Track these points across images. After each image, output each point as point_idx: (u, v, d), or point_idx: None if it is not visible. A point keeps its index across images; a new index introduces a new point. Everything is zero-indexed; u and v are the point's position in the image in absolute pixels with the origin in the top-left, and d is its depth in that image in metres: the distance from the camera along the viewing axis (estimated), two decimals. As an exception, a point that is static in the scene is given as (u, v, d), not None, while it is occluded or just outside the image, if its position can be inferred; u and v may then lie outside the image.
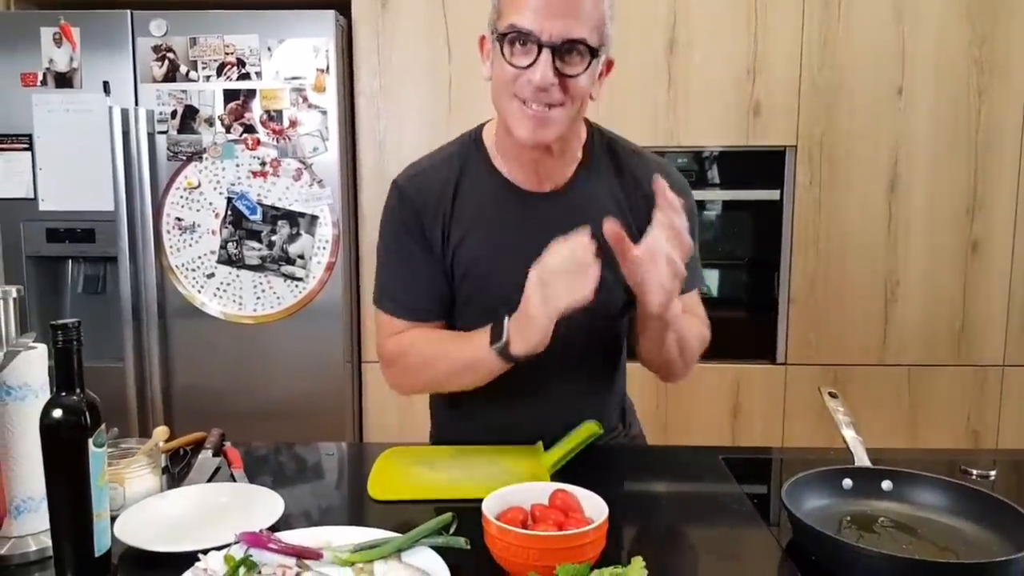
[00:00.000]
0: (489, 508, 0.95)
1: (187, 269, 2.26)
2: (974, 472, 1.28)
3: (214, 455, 1.31)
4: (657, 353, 1.24)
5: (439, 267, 1.26)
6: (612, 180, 1.26)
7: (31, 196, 2.25)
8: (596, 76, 1.15)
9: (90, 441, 0.88)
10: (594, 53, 1.10)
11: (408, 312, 1.28)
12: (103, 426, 0.91)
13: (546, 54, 1.07)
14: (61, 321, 0.88)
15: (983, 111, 2.35)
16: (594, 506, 0.97)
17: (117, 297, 2.26)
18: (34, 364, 1.01)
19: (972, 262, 2.42)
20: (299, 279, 2.26)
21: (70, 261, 2.37)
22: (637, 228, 1.14)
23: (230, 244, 2.25)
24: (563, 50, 1.08)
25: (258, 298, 2.27)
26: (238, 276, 2.26)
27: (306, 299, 2.27)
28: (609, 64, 1.19)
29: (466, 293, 1.27)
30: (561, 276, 1.06)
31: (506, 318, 1.13)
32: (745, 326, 2.50)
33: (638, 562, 0.86)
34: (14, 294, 1.01)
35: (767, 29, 2.33)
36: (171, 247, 2.25)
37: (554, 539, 0.89)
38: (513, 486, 1.02)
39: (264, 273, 2.26)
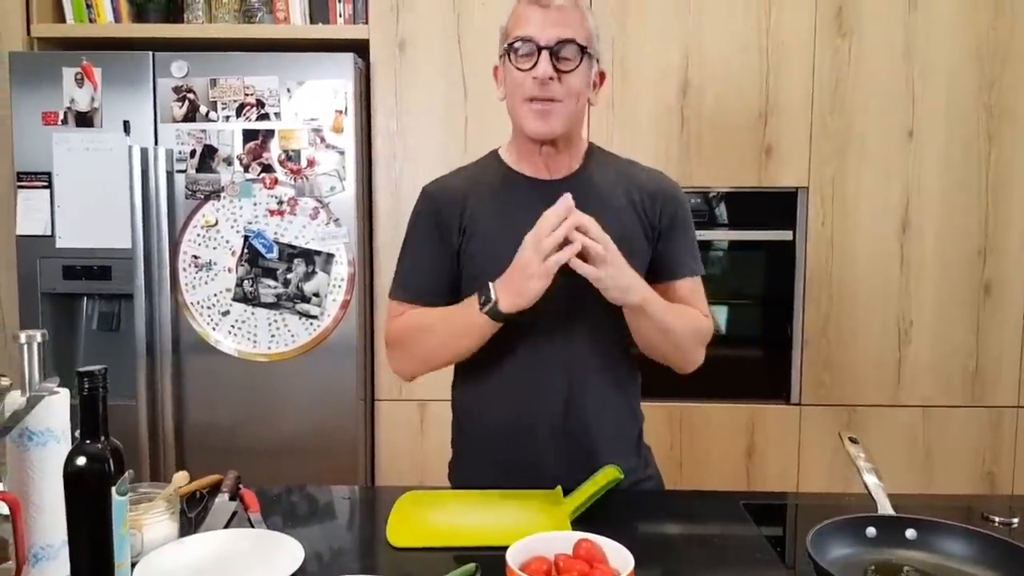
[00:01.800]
0: (513, 558, 0.94)
1: (202, 307, 2.27)
2: (996, 519, 1.26)
3: (230, 499, 1.30)
4: (642, 341, 1.39)
5: (449, 252, 1.41)
6: (613, 176, 1.44)
7: (48, 233, 2.26)
8: (590, 81, 1.37)
9: (113, 489, 0.88)
10: (584, 51, 1.32)
11: (413, 293, 1.44)
12: (127, 474, 0.90)
13: (545, 54, 1.30)
14: (87, 368, 0.88)
15: (993, 154, 2.36)
16: (619, 557, 0.96)
17: (131, 334, 2.26)
18: (56, 409, 1.01)
19: (985, 303, 2.41)
20: (314, 317, 2.26)
21: (85, 298, 2.38)
22: (634, 217, 1.39)
23: (246, 282, 2.26)
24: (557, 51, 1.30)
25: (272, 336, 2.27)
26: (253, 314, 2.27)
27: (320, 337, 2.27)
28: (602, 76, 1.41)
29: (477, 272, 1.38)
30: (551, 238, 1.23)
31: (489, 282, 1.30)
32: (759, 366, 2.49)
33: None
34: (38, 339, 1.02)
35: (779, 73, 2.35)
36: (187, 284, 2.27)
37: (580, 592, 0.88)
38: (536, 535, 1.01)
39: (279, 311, 2.26)
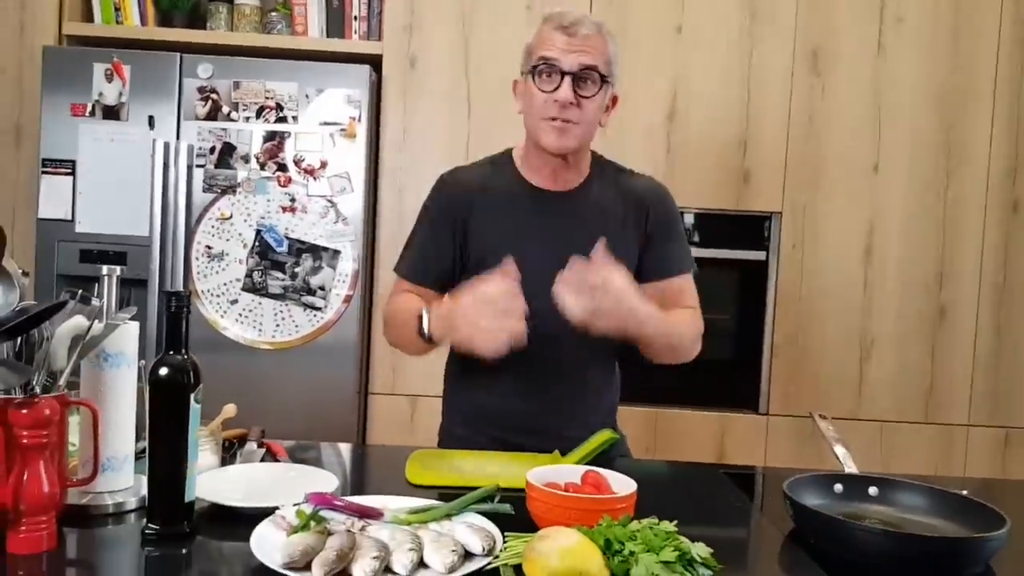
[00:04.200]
0: (532, 478, 1.08)
1: (212, 295, 2.39)
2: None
3: (258, 447, 1.42)
4: (652, 355, 1.51)
5: (451, 242, 1.52)
6: (612, 187, 1.56)
7: (69, 218, 2.37)
8: (604, 105, 1.48)
9: (192, 396, 1.01)
10: (603, 80, 1.43)
11: (412, 272, 1.56)
12: (202, 385, 1.03)
13: (567, 79, 1.41)
14: (173, 289, 1.01)
15: (951, 190, 2.59)
16: (623, 483, 1.11)
17: (142, 319, 2.35)
18: (130, 337, 1.14)
19: (940, 327, 2.61)
20: (318, 309, 2.39)
21: (96, 283, 2.47)
22: (629, 228, 1.52)
23: (255, 273, 2.38)
24: (579, 77, 1.41)
25: (277, 325, 2.39)
26: (260, 304, 2.39)
27: (322, 328, 2.40)
28: (614, 99, 1.51)
29: (475, 267, 1.46)
30: (490, 310, 1.28)
31: (424, 311, 1.39)
32: (730, 377, 2.66)
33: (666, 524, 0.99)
34: (118, 272, 1.15)
35: (758, 106, 2.57)
36: (199, 273, 2.38)
37: (593, 501, 1.03)
38: (548, 467, 1.15)
39: (285, 302, 2.39)
